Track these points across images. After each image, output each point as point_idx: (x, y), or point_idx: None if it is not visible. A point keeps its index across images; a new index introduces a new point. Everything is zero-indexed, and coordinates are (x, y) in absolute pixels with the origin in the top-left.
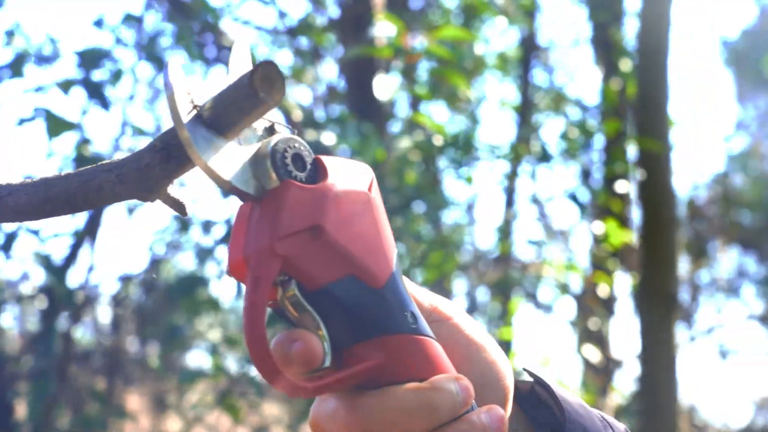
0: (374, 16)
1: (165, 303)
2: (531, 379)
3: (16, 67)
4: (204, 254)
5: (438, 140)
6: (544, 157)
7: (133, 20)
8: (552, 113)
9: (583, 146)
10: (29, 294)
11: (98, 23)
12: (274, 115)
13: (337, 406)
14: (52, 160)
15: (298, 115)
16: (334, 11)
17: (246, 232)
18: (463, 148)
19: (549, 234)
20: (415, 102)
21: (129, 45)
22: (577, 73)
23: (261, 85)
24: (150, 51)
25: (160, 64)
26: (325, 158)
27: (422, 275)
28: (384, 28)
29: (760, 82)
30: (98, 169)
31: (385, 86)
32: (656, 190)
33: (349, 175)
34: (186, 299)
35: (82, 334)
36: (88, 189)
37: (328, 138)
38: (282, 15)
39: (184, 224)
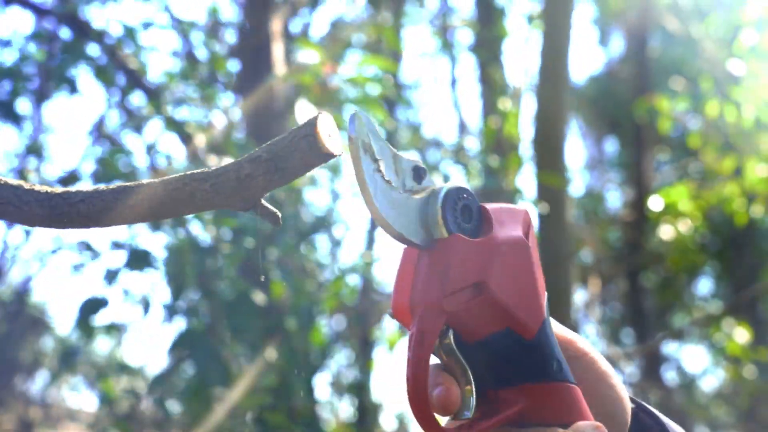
0: (272, 44)
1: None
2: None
3: None
4: (111, 276)
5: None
6: None
7: (40, 39)
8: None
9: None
10: None
11: (6, 43)
12: (414, 155)
13: None
14: None
15: (201, 141)
16: (231, 38)
17: (413, 279)
18: None
19: None
20: None
21: (34, 63)
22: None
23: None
24: (59, 72)
25: (69, 85)
26: (489, 207)
27: None
28: (307, 56)
29: (604, 127)
30: (188, 177)
31: (306, 113)
32: (556, 225)
33: (510, 222)
34: (82, 323)
35: None
36: (178, 197)
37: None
38: (183, 38)
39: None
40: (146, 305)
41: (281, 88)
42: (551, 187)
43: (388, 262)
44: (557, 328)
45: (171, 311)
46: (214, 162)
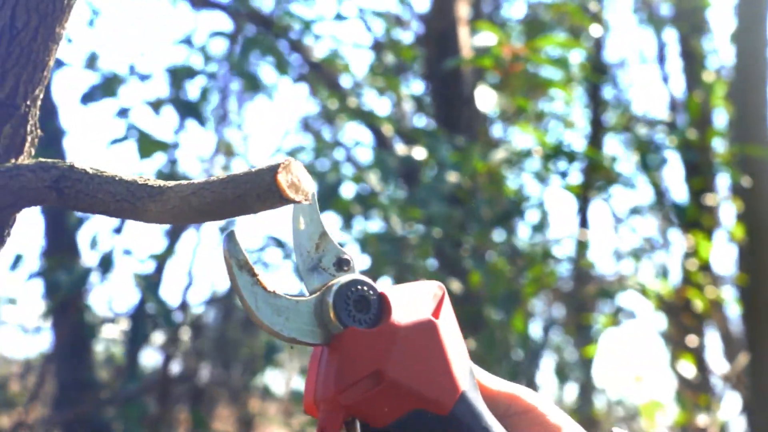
0: (458, 29)
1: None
2: None
3: (107, 88)
4: None
5: (538, 152)
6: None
7: (221, 37)
8: (622, 131)
9: (658, 163)
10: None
11: (187, 41)
12: (347, 250)
13: None
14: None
15: (389, 130)
16: (416, 26)
17: (316, 376)
18: (568, 157)
19: (634, 249)
20: (503, 114)
21: (217, 62)
22: (646, 90)
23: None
24: (240, 68)
25: (251, 81)
26: (390, 292)
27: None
28: (484, 38)
29: None
30: None
31: (487, 98)
32: (759, 197)
33: (414, 304)
34: None
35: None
36: None
37: (420, 153)
38: (368, 29)
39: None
40: None
41: (468, 73)
42: (754, 158)
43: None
44: (497, 385)
45: None
46: (403, 151)
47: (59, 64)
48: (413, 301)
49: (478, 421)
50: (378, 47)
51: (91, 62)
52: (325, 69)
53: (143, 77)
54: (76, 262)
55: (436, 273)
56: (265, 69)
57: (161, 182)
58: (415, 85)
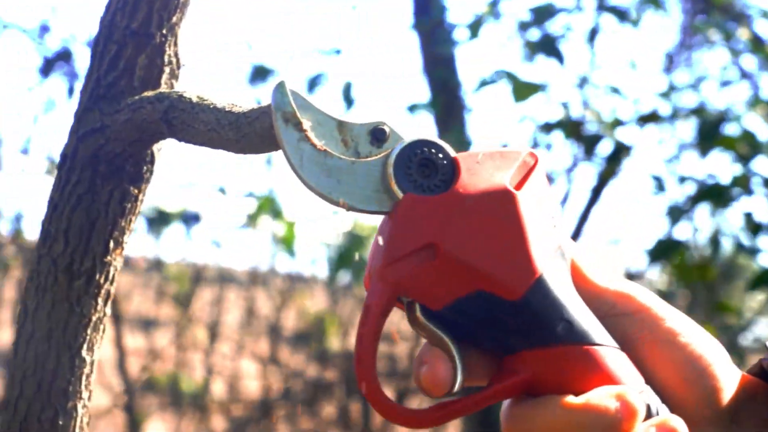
0: None
1: None
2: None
3: (473, 28)
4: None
5: None
6: None
7: None
8: None
9: None
10: None
11: None
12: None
13: (502, 411)
14: (524, 125)
15: None
16: None
17: (374, 248)
18: None
19: None
20: None
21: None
22: None
23: None
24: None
25: (621, 16)
26: (465, 156)
27: None
28: None
29: None
30: None
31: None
32: None
33: (492, 171)
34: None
35: None
36: None
37: None
38: None
39: None
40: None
41: None
42: None
43: None
44: (606, 282)
45: None
46: None
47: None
48: (492, 168)
49: (558, 311)
50: None
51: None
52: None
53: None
54: None
55: None
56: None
57: (243, 109)
58: None
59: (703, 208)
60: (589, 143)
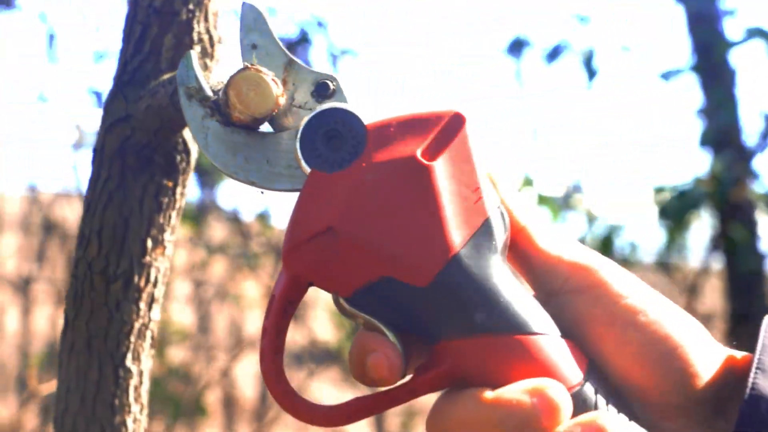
0: None
1: None
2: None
3: None
4: None
5: None
6: None
7: None
8: None
9: None
10: None
11: None
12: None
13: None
14: None
15: None
16: None
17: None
18: None
19: None
20: None
21: None
22: None
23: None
24: None
25: None
26: (378, 124)
27: None
28: None
29: None
30: None
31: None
32: None
33: (402, 140)
34: None
35: None
36: None
37: None
38: None
39: None
40: None
41: None
42: None
43: None
44: (561, 251)
45: None
46: None
47: None
48: (405, 136)
49: (481, 296)
50: None
51: None
52: None
53: None
54: None
55: None
56: None
57: None
58: None
59: None
60: None
